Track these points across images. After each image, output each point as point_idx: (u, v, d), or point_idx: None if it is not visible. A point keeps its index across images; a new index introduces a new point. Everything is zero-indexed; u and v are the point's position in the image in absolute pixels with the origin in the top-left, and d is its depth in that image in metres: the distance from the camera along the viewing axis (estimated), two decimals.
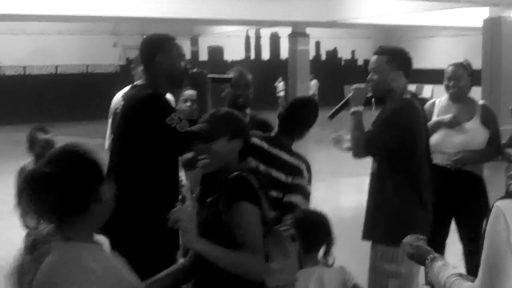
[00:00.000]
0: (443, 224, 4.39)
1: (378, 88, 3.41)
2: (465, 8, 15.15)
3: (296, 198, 3.24)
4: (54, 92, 19.99)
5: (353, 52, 26.95)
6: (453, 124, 4.23)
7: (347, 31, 23.86)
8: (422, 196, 3.35)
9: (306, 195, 3.31)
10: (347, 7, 15.83)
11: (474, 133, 4.22)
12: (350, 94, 3.44)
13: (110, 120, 4.46)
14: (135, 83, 3.31)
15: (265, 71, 23.78)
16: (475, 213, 4.34)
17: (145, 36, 3.34)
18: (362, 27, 20.47)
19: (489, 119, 4.32)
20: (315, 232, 2.91)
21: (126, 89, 3.85)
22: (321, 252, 2.98)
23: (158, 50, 3.17)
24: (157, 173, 3.10)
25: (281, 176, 3.20)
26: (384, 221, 3.31)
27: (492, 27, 12.37)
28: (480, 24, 13.06)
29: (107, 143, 4.36)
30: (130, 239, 2.99)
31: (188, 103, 4.70)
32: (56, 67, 20.88)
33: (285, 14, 15.51)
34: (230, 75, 3.67)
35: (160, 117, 2.97)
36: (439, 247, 4.47)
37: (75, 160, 1.84)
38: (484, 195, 4.31)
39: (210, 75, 3.34)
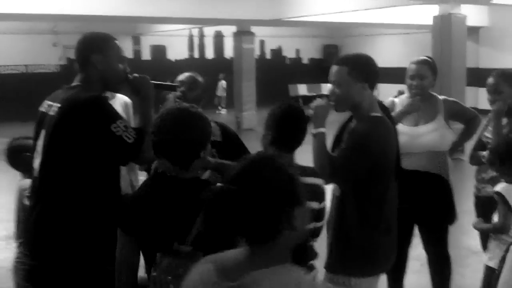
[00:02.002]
0: (406, 230, 4.20)
1: (341, 103, 3.04)
2: (414, 5, 15.19)
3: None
4: None
5: (297, 50, 26.92)
6: (415, 108, 4.04)
7: (291, 29, 23.80)
8: (388, 222, 3.07)
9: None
10: (291, 5, 15.68)
11: (442, 133, 4.06)
12: (312, 113, 3.06)
13: None
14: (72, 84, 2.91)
15: (209, 70, 23.50)
16: (440, 218, 4.20)
17: (83, 34, 2.99)
18: (307, 25, 20.39)
19: (453, 110, 4.21)
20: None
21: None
22: None
23: (95, 49, 2.86)
24: (98, 185, 2.75)
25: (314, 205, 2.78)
26: (346, 252, 3.02)
27: (442, 24, 12.31)
28: (427, 21, 13.03)
29: None
30: (71, 256, 2.71)
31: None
32: None
33: (229, 12, 15.24)
34: (176, 83, 3.28)
35: (104, 124, 2.64)
36: (401, 254, 4.29)
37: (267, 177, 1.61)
38: (450, 199, 4.16)
39: (154, 82, 2.99)
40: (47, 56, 20.38)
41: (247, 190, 1.57)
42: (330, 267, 3.09)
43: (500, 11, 18.56)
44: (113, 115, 2.70)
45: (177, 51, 23.76)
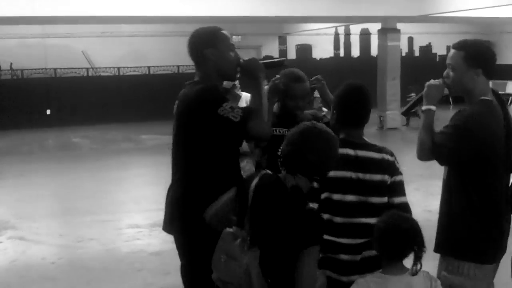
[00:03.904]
0: None
1: (453, 86, 3.09)
2: None
3: (404, 198, 2.94)
4: (147, 92, 20.37)
5: (448, 47, 25.98)
6: None
7: (442, 25, 23.04)
8: (495, 212, 3.02)
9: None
10: (439, 1, 15.20)
11: None
12: (424, 91, 3.14)
13: None
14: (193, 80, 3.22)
15: (355, 69, 23.39)
16: None
17: (192, 32, 3.22)
18: (456, 21, 19.64)
19: None
20: (402, 239, 2.65)
21: None
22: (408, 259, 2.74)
23: (206, 44, 3.10)
24: (220, 165, 3.04)
25: (379, 177, 2.88)
26: (453, 234, 3.03)
27: None
28: None
29: None
30: (201, 235, 2.96)
31: None
32: (149, 68, 21.33)
33: (374, 10, 15.09)
34: (283, 58, 3.44)
35: (211, 109, 2.92)
36: None
37: None
38: None
39: (263, 61, 3.19)
40: None
41: None
42: (437, 248, 3.14)
43: None
44: (219, 100, 2.96)
45: (322, 50, 23.89)
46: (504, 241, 3.14)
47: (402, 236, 2.64)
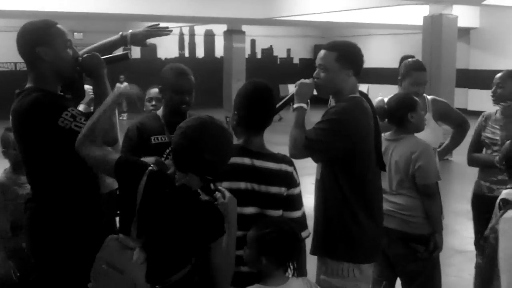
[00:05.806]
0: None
1: (324, 87, 3.09)
2: (405, 6, 15.21)
3: (299, 213, 2.79)
4: None
5: (288, 50, 26.92)
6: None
7: (283, 29, 23.81)
8: (370, 207, 3.06)
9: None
10: (282, 4, 15.68)
11: (431, 130, 4.06)
12: (295, 90, 3.12)
13: None
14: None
15: (200, 69, 23.46)
16: None
17: (20, 28, 2.75)
18: (298, 24, 20.40)
19: (441, 110, 4.27)
20: (285, 246, 2.57)
21: None
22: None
23: (38, 41, 2.67)
24: (74, 180, 2.72)
25: (275, 190, 2.70)
26: (329, 234, 3.02)
27: (433, 24, 12.32)
28: (419, 22, 13.03)
29: None
30: (56, 252, 2.72)
31: (153, 102, 4.31)
32: None
33: (220, 11, 15.24)
34: (127, 51, 3.04)
35: (51, 122, 2.56)
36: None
37: None
38: None
39: (103, 57, 2.83)
40: None
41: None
42: (314, 250, 3.09)
43: (492, 12, 18.64)
44: (57, 110, 2.59)
45: (167, 50, 23.66)
46: (380, 239, 3.18)
47: (277, 244, 2.57)
